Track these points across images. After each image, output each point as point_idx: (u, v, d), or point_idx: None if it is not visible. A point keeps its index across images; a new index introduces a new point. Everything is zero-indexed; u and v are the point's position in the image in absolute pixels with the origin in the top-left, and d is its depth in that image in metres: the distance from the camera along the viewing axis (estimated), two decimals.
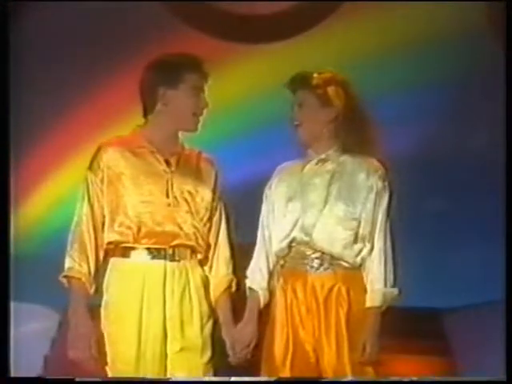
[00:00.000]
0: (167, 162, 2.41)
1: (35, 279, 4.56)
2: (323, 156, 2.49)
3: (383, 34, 5.65)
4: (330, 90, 2.47)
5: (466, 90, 5.35)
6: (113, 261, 2.38)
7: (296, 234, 2.41)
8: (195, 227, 2.36)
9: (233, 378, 2.32)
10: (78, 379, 2.31)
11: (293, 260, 2.44)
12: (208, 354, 2.34)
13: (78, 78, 8.01)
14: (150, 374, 2.23)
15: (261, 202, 2.58)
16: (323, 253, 2.39)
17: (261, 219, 2.56)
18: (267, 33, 6.01)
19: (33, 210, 6.80)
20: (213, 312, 2.41)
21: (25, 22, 7.54)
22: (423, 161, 5.33)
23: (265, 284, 2.49)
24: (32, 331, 4.63)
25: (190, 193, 2.39)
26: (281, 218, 2.47)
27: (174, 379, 2.25)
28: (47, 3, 8.04)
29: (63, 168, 7.87)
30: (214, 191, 2.47)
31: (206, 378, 2.31)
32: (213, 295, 2.44)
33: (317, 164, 2.49)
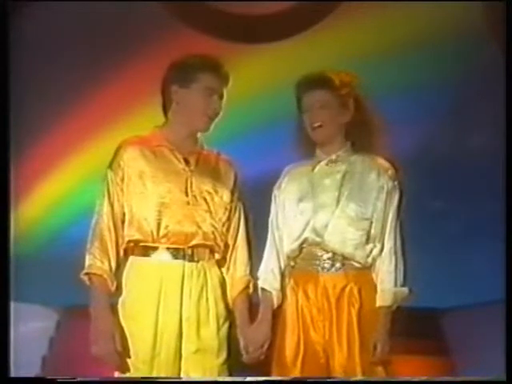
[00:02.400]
0: (186, 161, 2.42)
1: (35, 279, 4.55)
2: (334, 156, 2.50)
3: (383, 34, 5.65)
4: (349, 91, 2.48)
5: (466, 90, 5.35)
6: (132, 259, 2.39)
7: (308, 234, 2.41)
8: (214, 226, 2.37)
9: (247, 379, 2.32)
10: (77, 379, 2.31)
11: (303, 261, 2.44)
12: (223, 355, 2.34)
13: (78, 78, 8.00)
14: (165, 374, 2.23)
15: (265, 202, 2.58)
16: (335, 253, 2.39)
17: (270, 219, 2.56)
18: (267, 33, 6.01)
19: (33, 210, 6.79)
20: (229, 313, 2.39)
21: (25, 21, 7.54)
22: (422, 161, 5.33)
23: (277, 284, 2.49)
24: (32, 331, 4.63)
25: (208, 192, 2.40)
26: (292, 218, 2.47)
27: (175, 379, 2.25)
28: (47, 3, 8.04)
29: (63, 168, 7.86)
30: (232, 192, 2.48)
31: (219, 379, 2.30)
32: (230, 296, 2.43)
33: (327, 164, 2.50)
